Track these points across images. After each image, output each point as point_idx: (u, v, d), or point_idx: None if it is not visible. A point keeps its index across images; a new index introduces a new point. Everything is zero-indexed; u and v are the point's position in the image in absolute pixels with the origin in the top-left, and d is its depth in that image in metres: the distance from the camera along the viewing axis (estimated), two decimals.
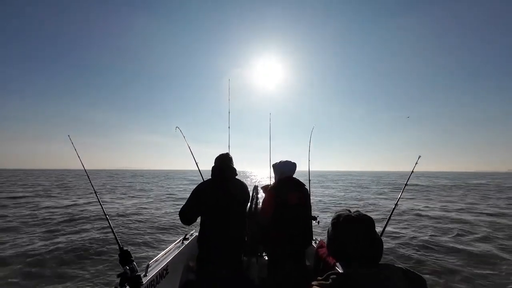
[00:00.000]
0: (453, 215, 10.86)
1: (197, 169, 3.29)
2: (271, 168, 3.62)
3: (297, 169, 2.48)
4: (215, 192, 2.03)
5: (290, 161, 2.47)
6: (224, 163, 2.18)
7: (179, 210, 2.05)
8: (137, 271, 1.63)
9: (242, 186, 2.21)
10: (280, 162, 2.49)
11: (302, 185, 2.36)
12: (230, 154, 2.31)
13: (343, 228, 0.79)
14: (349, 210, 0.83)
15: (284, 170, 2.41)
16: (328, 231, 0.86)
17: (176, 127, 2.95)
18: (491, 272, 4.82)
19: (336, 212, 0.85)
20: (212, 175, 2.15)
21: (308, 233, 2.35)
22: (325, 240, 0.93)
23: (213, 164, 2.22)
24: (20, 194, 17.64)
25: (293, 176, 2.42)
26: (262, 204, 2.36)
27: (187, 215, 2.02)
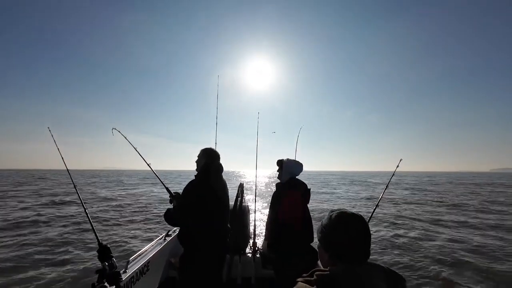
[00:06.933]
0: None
1: (150, 169, 2.85)
2: (257, 168, 3.61)
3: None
4: (203, 190, 1.98)
5: (299, 161, 2.42)
6: (212, 159, 2.13)
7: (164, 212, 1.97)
8: (116, 267, 1.59)
9: (225, 184, 2.21)
10: (289, 160, 2.39)
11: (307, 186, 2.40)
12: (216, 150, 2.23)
13: (345, 221, 0.82)
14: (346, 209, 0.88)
15: (296, 171, 2.37)
16: (323, 225, 0.87)
17: (113, 128, 2.52)
18: None
19: (332, 210, 0.89)
20: (201, 172, 2.08)
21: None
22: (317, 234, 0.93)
23: (198, 161, 2.16)
24: None
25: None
26: (288, 206, 2.24)
27: (175, 216, 1.96)
